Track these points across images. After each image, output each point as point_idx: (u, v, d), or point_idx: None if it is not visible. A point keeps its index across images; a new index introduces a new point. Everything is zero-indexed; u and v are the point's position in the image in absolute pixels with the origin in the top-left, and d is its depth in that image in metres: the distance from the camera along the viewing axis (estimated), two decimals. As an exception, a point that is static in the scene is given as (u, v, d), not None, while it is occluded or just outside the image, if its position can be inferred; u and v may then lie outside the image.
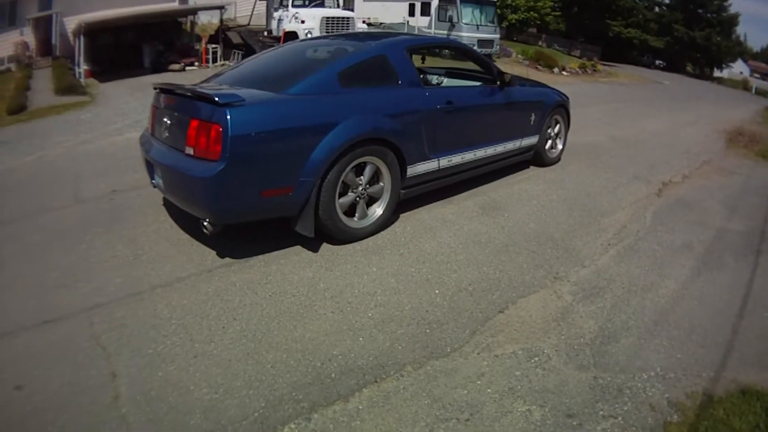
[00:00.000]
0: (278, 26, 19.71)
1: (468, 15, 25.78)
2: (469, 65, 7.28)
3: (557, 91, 8.07)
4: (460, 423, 2.96)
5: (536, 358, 3.55)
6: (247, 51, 20.28)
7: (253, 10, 23.21)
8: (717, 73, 68.72)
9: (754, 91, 54.02)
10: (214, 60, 20.32)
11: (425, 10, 27.04)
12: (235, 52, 20.71)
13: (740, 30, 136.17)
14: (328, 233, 4.74)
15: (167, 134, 4.62)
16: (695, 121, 16.84)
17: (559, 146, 8.22)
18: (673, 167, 9.28)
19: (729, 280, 5.09)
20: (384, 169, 4.99)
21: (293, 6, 19.36)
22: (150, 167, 4.85)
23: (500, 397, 3.17)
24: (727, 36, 65.08)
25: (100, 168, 7.28)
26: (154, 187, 4.94)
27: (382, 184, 5.07)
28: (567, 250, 5.26)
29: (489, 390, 3.22)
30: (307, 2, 19.76)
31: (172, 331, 3.52)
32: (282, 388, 3.10)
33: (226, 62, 19.94)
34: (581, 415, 3.08)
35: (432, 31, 26.02)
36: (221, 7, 21.51)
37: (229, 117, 3.89)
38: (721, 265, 5.41)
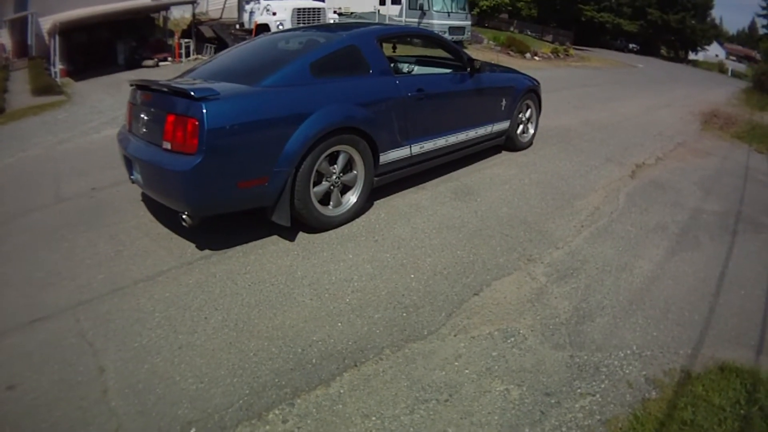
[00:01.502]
0: (250, 19, 20.01)
1: (439, 3, 26.13)
2: (440, 53, 7.57)
3: (528, 76, 8.38)
4: (440, 403, 3.10)
5: (512, 339, 3.71)
6: (220, 45, 20.65)
7: (225, 4, 23.31)
8: (692, 56, 70.36)
9: (730, 73, 55.46)
10: (187, 54, 20.51)
11: None
12: (207, 46, 21.01)
13: (716, 13, 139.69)
14: (304, 222, 4.96)
15: (144, 130, 4.79)
16: (669, 103, 17.30)
17: (531, 131, 8.53)
18: (647, 149, 9.56)
19: (705, 260, 5.31)
20: (357, 158, 5.23)
21: None
22: (128, 163, 5.01)
23: (478, 378, 3.32)
24: (702, 19, 66.85)
25: (78, 166, 7.40)
26: (133, 182, 5.11)
27: (355, 172, 5.30)
28: (540, 233, 5.45)
29: (467, 371, 3.38)
30: None
31: (155, 324, 3.66)
32: (265, 375, 3.24)
33: (199, 56, 20.24)
34: (559, 393, 3.23)
35: (403, 19, 26.34)
36: (193, 2, 21.77)
37: (204, 111, 4.07)
38: (696, 245, 5.64)
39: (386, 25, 9.90)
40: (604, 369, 3.49)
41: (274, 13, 18.64)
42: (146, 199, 5.86)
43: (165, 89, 4.52)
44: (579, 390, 3.28)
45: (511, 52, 30.01)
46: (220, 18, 23.52)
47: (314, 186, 4.92)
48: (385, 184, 5.83)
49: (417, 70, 7.83)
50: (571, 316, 4.03)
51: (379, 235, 5.14)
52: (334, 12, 21.76)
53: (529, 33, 47.72)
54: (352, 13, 27.44)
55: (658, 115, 14.43)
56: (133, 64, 18.92)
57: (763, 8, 69.02)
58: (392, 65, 6.36)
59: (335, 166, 5.11)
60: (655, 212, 6.40)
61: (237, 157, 4.33)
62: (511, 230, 5.46)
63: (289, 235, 5.01)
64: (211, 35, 22.08)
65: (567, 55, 35.42)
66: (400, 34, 7.88)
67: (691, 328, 4.08)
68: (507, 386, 3.26)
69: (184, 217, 4.42)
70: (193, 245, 4.80)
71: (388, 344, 3.58)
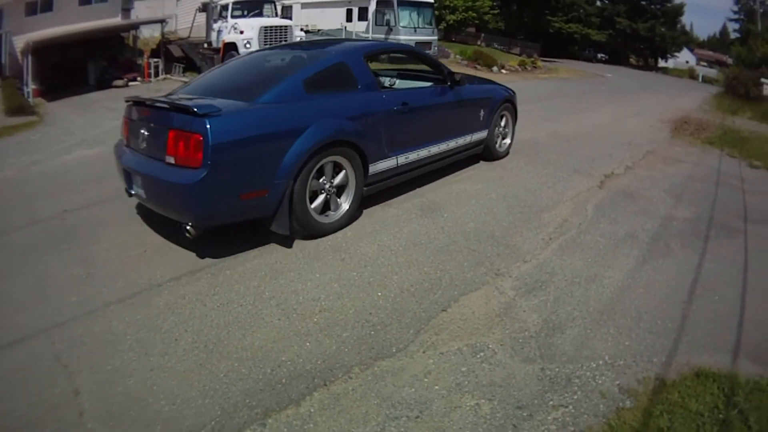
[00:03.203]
0: (218, 38, 20.57)
1: (405, 18, 27.05)
2: (418, 66, 8.38)
3: (504, 87, 9.03)
4: (410, 420, 3.22)
5: (481, 354, 3.85)
6: (188, 64, 21.55)
7: (193, 22, 23.71)
8: (662, 64, 72.03)
9: (700, 79, 56.71)
10: (156, 74, 21.12)
11: (362, 15, 28.14)
12: (176, 66, 21.75)
13: (686, 20, 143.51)
14: (301, 230, 5.45)
15: (145, 145, 5.25)
16: (639, 112, 17.73)
17: (507, 140, 9.19)
18: (616, 159, 9.83)
19: (676, 267, 5.51)
20: (349, 168, 5.77)
21: (232, 17, 20.38)
22: (128, 177, 5.44)
23: (448, 393, 3.44)
24: (672, 26, 68.65)
25: (51, 188, 7.66)
26: (131, 196, 5.58)
27: (347, 181, 5.83)
28: (507, 247, 5.62)
29: (436, 387, 3.50)
30: (246, 12, 20.79)
31: (128, 347, 3.83)
32: (236, 396, 3.37)
33: (168, 76, 21.05)
34: (531, 406, 3.36)
35: (370, 35, 27.04)
36: (162, 21, 22.88)
37: (209, 126, 4.52)
38: (667, 253, 5.84)
39: (372, 41, 10.68)
40: (576, 380, 3.62)
41: (242, 32, 19.17)
42: (115, 222, 6.13)
43: (166, 105, 5.01)
44: (551, 402, 3.40)
45: (478, 66, 30.63)
46: (189, 37, 24.00)
47: (310, 195, 5.42)
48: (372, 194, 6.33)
49: (398, 83, 8.32)
50: (541, 329, 4.18)
51: (346, 253, 5.31)
52: (301, 29, 22.34)
53: (496, 46, 48.78)
54: (318, 30, 28.14)
55: (627, 124, 14.80)
56: (104, 84, 19.36)
57: (735, 12, 71.11)
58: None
59: (324, 177, 5.59)
60: (624, 222, 6.61)
61: (239, 170, 4.79)
62: (478, 245, 5.62)
63: (258, 255, 5.22)
64: (179, 54, 22.76)
65: (534, 67, 36.18)
66: (385, 50, 8.72)
67: (665, 335, 4.24)
68: (478, 401, 3.38)
69: (188, 228, 4.81)
70: (162, 267, 4.99)
71: (357, 362, 3.71)
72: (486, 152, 8.62)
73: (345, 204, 5.87)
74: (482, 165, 8.56)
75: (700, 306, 4.76)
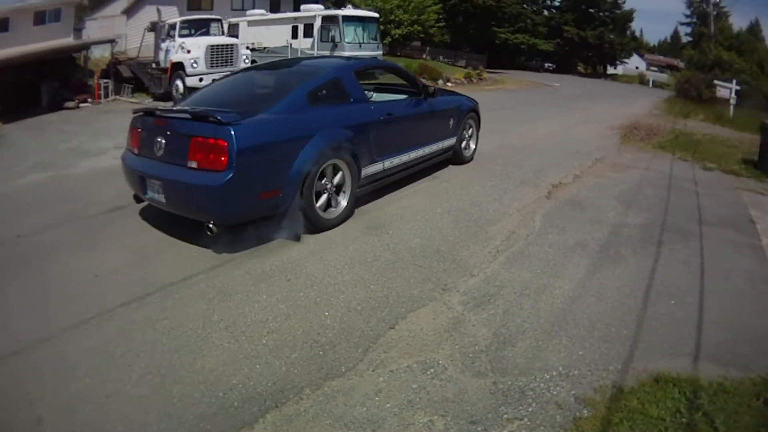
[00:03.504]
0: (165, 57, 20.72)
1: (350, 33, 27.52)
2: (389, 79, 9.83)
3: (468, 97, 10.38)
4: (364, 439, 3.31)
5: (432, 370, 3.94)
6: (137, 84, 21.89)
7: (141, 42, 23.91)
8: (611, 71, 74.00)
9: (651, 84, 58.66)
10: (106, 95, 21.13)
11: (308, 32, 28.55)
12: (125, 86, 21.93)
13: (636, 25, 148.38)
14: (308, 225, 6.28)
15: (162, 152, 5.94)
16: (587, 120, 18.30)
17: (472, 146, 10.38)
18: (563, 168, 10.13)
19: (629, 274, 5.71)
20: (346, 171, 6.69)
21: (180, 36, 20.61)
22: (141, 183, 6.13)
23: (400, 411, 3.52)
24: (622, 32, 70.86)
25: (3, 213, 7.60)
26: (139, 202, 6.57)
27: (344, 182, 6.75)
28: (454, 261, 5.75)
29: (388, 405, 3.58)
30: (193, 31, 21.12)
31: (84, 373, 3.88)
32: (190, 420, 3.42)
33: (118, 97, 21.22)
34: (485, 421, 3.44)
35: (315, 52, 27.42)
36: (112, 41, 23.36)
37: (233, 133, 5.34)
38: (619, 260, 6.04)
39: (360, 59, 11.82)
40: (530, 392, 3.72)
41: (189, 51, 19.40)
42: (68, 246, 6.21)
43: (185, 116, 5.94)
44: (506, 415, 3.49)
45: (424, 80, 31.02)
46: (137, 57, 24.16)
47: (315, 194, 6.33)
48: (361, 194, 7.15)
49: (375, 96, 9.07)
50: (491, 343, 4.28)
51: (292, 273, 5.40)
52: (247, 47, 22.63)
53: (442, 59, 49.79)
54: (264, 48, 28.74)
55: (575, 133, 15.24)
56: (56, 105, 19.30)
57: (687, 16, 73.66)
58: None
59: (325, 179, 6.48)
60: (573, 231, 6.81)
61: (258, 172, 5.63)
62: (424, 261, 5.74)
63: (205, 278, 5.30)
64: (129, 75, 22.96)
65: (480, 79, 36.89)
66: (371, 67, 10.10)
67: (620, 343, 4.39)
68: (430, 417, 3.46)
69: (210, 226, 5.49)
70: (113, 292, 5.04)
71: (308, 383, 3.77)
72: (455, 157, 9.74)
73: (343, 202, 6.78)
74: (427, 180, 8.75)
75: (655, 311, 4.94)
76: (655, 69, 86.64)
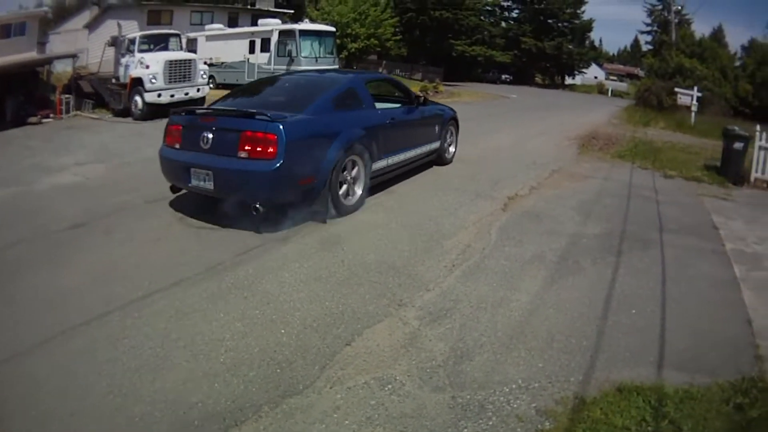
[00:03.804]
0: (125, 72, 20.77)
1: (307, 48, 28.35)
2: (386, 90, 11.33)
3: (449, 107, 12.23)
4: (324, 457, 3.38)
5: (389, 386, 4.04)
6: (98, 100, 22.11)
7: (102, 57, 23.94)
8: (570, 81, 75.36)
9: (610, 93, 59.88)
10: (68, 111, 21.38)
11: (265, 46, 29.35)
12: (86, 102, 22.23)
13: (596, 35, 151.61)
14: (333, 209, 7.57)
15: (209, 145, 7.13)
16: (544, 131, 18.67)
17: (453, 149, 12.09)
18: (520, 180, 10.38)
19: (588, 284, 5.89)
20: (361, 165, 8.14)
21: (139, 51, 20.76)
22: (185, 173, 7.33)
23: (359, 428, 3.61)
24: (581, 42, 72.43)
25: None
26: (189, 189, 7.60)
27: (359, 175, 8.18)
28: (410, 276, 5.87)
29: (347, 422, 3.66)
30: (152, 46, 21.27)
31: (50, 391, 4.00)
32: None
33: (78, 112, 21.54)
34: (444, 436, 3.56)
35: (272, 67, 28.14)
36: (74, 56, 23.99)
37: (282, 128, 6.71)
38: (577, 271, 6.23)
39: (368, 72, 14.48)
40: (489, 406, 3.83)
41: (148, 66, 19.55)
42: (32, 264, 6.32)
43: (233, 114, 7.50)
44: (465, 430, 3.60)
45: None
46: (98, 72, 24.12)
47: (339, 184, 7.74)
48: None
49: (376, 104, 10.16)
50: (448, 357, 4.39)
51: (248, 291, 5.51)
52: (204, 63, 22.86)
53: (398, 72, 50.67)
54: (222, 63, 29.94)
55: (532, 144, 15.56)
56: (19, 120, 19.43)
57: (648, 25, 75.32)
58: None
59: (346, 171, 7.88)
60: (530, 243, 6.99)
61: (299, 162, 6.92)
62: (379, 276, 5.86)
63: (163, 296, 5.40)
64: (90, 90, 23.10)
65: (437, 92, 37.32)
66: (375, 79, 11.99)
67: (580, 354, 4.53)
68: (390, 433, 3.56)
69: (257, 206, 6.75)
70: (74, 311, 5.12)
71: (266, 401, 3.85)
72: (438, 159, 11.40)
73: (359, 191, 8.19)
74: (382, 195, 8.96)
75: (616, 321, 5.10)
76: (615, 78, 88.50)
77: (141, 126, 16.67)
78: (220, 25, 33.83)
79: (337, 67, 30.38)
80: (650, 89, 34.63)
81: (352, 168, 8.01)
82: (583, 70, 76.46)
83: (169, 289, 5.52)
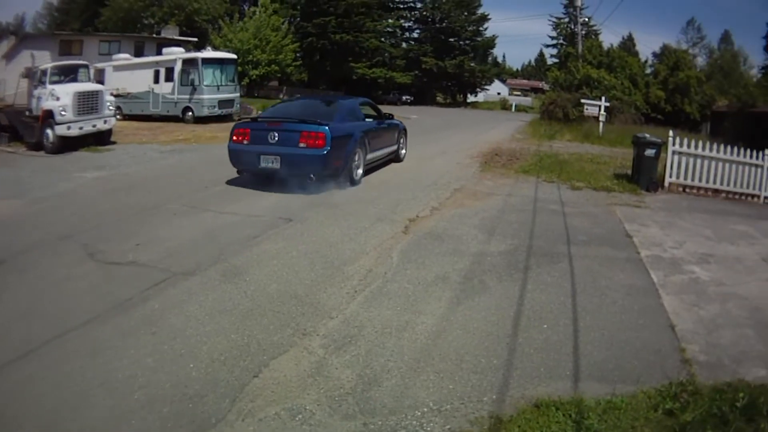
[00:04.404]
0: (38, 105, 20.42)
1: (209, 76, 29.04)
2: (365, 108, 15.51)
3: (400, 121, 17.22)
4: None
5: (300, 416, 4.15)
6: (13, 134, 21.77)
7: (17, 89, 23.47)
8: (472, 98, 77.08)
9: (513, 108, 61.55)
10: None
11: (169, 76, 29.73)
12: (2, 135, 21.93)
13: (499, 51, 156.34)
14: (346, 181, 12.20)
15: (277, 140, 11.57)
16: (445, 150, 19.26)
17: (403, 152, 16.96)
18: (421, 201, 10.74)
19: (496, 303, 6.12)
20: (362, 155, 12.93)
21: (51, 82, 20.52)
22: (257, 158, 11.70)
23: (273, 460, 3.68)
24: (483, 59, 74.38)
25: None
26: (258, 170, 12.01)
27: (360, 162, 12.94)
28: (312, 305, 6.01)
29: (261, 454, 3.73)
30: (63, 78, 21.09)
31: None
32: None
33: None
34: (359, 462, 3.66)
35: (175, 97, 29.06)
36: None
37: (328, 129, 11.31)
38: (483, 290, 6.46)
39: (360, 98, 17.28)
40: (402, 431, 3.97)
41: (58, 98, 19.20)
42: None
43: (294, 121, 11.91)
44: (380, 456, 3.71)
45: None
46: (13, 104, 23.72)
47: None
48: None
49: None
50: (356, 384, 4.53)
51: (156, 326, 5.61)
52: (111, 94, 22.69)
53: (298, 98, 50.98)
54: (128, 93, 30.14)
55: (432, 164, 16.14)
56: None
57: (553, 38, 77.80)
58: None
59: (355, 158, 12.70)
60: (433, 264, 7.20)
61: (335, 150, 11.43)
62: (282, 306, 5.98)
63: (77, 335, 5.50)
64: (5, 123, 22.76)
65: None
66: (362, 103, 15.33)
67: (491, 372, 4.73)
68: (304, 464, 3.64)
69: (312, 176, 11.27)
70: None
71: (183, 437, 3.91)
72: (395, 158, 16.34)
73: (360, 172, 12.95)
74: (282, 223, 9.21)
75: (527, 337, 5.33)
76: (519, 93, 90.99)
77: (53, 160, 16.38)
78: (127, 55, 34.03)
79: (238, 95, 31.98)
80: (555, 102, 35.83)
81: (357, 157, 12.75)
82: (486, 87, 78.43)
83: (84, 327, 5.61)
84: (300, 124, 11.65)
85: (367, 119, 14.73)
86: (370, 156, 13.49)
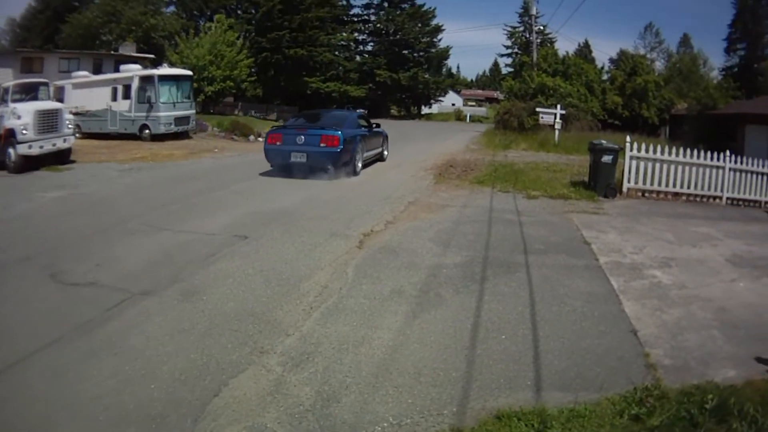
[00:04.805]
0: (1, 124, 19.88)
1: (165, 93, 29.02)
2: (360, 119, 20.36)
3: (383, 129, 21.52)
4: None
5: (262, 434, 4.14)
6: None
7: None
8: (426, 110, 77.47)
9: (468, 119, 62.02)
10: None
11: (127, 93, 29.65)
12: None
13: (453, 61, 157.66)
14: (351, 172, 16.79)
15: (302, 141, 16.21)
16: (399, 163, 19.75)
17: (386, 153, 21.37)
18: (375, 216, 10.75)
19: (452, 315, 6.17)
20: (361, 153, 17.63)
21: (12, 101, 20.36)
22: (288, 155, 16.32)
23: (238, 481, 3.67)
24: (437, 71, 74.87)
25: None
26: (291, 164, 16.36)
27: (360, 157, 17.65)
28: (269, 323, 6.00)
29: (225, 474, 3.71)
30: (24, 96, 20.99)
31: None
32: None
33: None
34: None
35: (132, 114, 29.00)
36: None
37: (340, 133, 16.05)
38: (439, 303, 6.51)
39: (357, 111, 24.90)
40: (363, 447, 3.95)
41: (19, 117, 19.23)
42: None
43: (316, 127, 17.04)
44: (342, 472, 3.72)
45: (235, 137, 32.68)
46: None
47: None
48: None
49: None
50: (315, 401, 4.54)
51: (117, 347, 5.59)
52: (70, 112, 22.57)
53: (253, 114, 51.30)
54: (87, 111, 29.87)
55: (386, 178, 16.66)
56: None
57: (507, 47, 78.33)
58: None
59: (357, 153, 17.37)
60: (388, 279, 7.25)
61: (345, 148, 16.14)
62: (239, 325, 5.97)
63: (39, 357, 5.46)
64: None
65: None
66: (359, 115, 20.93)
67: (450, 385, 4.76)
68: (267, 483, 3.64)
69: (329, 167, 15.94)
70: None
71: (146, 459, 3.88)
72: (380, 158, 20.43)
73: (360, 165, 17.24)
74: (236, 240, 9.16)
75: (486, 349, 5.38)
76: (473, 104, 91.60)
77: (15, 179, 16.28)
78: (86, 72, 33.72)
79: (194, 112, 32.11)
80: (510, 111, 36.18)
81: (358, 155, 16.92)
82: (440, 98, 78.74)
83: (46, 349, 5.56)
84: (320, 130, 16.27)
85: (362, 128, 18.99)
86: (366, 154, 18.05)
